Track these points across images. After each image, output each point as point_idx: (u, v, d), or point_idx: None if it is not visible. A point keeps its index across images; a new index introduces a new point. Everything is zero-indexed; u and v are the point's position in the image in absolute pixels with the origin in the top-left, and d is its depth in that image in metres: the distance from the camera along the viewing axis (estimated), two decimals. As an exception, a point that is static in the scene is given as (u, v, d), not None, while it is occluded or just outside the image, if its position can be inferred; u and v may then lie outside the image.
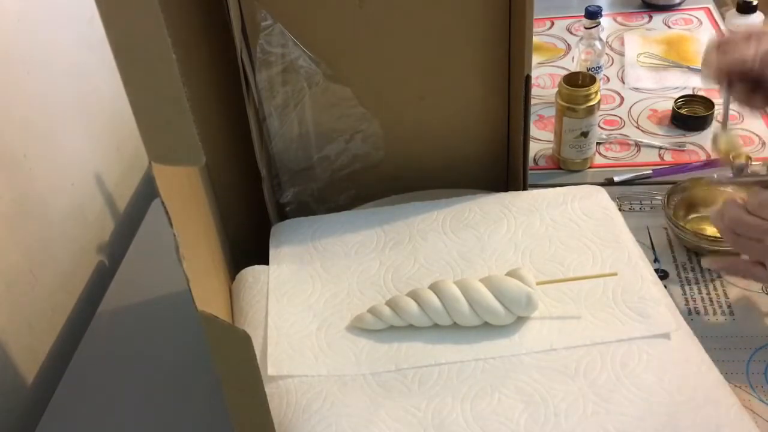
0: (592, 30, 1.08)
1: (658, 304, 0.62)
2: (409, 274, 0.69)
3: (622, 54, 1.24)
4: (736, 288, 0.78)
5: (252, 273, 0.71)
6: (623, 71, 1.19)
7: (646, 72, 1.18)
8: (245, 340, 0.45)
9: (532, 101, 0.89)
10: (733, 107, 1.07)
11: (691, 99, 1.07)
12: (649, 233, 0.86)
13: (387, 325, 0.63)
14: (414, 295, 0.64)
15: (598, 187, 0.77)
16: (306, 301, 0.67)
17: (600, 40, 1.09)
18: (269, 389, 0.59)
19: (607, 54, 1.22)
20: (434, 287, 0.64)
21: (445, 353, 0.61)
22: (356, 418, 0.56)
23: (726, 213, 0.62)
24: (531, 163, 1.01)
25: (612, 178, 0.95)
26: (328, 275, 0.69)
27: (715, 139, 0.83)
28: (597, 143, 1.00)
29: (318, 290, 0.68)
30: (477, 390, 0.57)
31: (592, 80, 0.93)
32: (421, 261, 0.70)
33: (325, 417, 0.56)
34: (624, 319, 0.61)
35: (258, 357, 0.61)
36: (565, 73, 0.98)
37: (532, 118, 1.09)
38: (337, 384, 0.59)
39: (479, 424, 0.54)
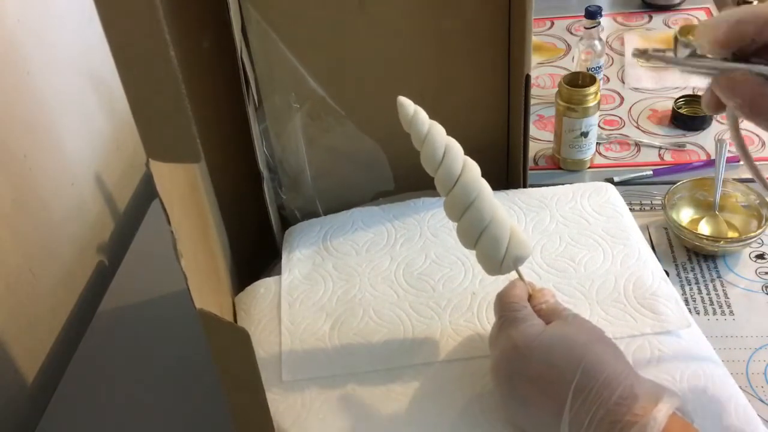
0: (592, 30, 1.08)
1: (670, 300, 0.62)
2: (421, 269, 0.69)
3: (622, 54, 1.24)
4: (737, 288, 0.78)
5: (264, 284, 0.71)
6: (623, 71, 1.19)
7: (646, 72, 1.18)
8: (245, 339, 0.45)
9: (532, 101, 0.89)
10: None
11: (691, 99, 1.07)
12: (649, 233, 0.86)
13: None
14: None
15: (608, 184, 0.77)
16: (318, 302, 0.67)
17: (600, 40, 1.09)
18: (283, 390, 0.60)
19: (607, 54, 1.22)
20: None
21: (459, 349, 0.61)
22: (371, 416, 0.56)
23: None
24: (531, 163, 1.01)
25: (612, 178, 0.95)
26: (340, 274, 0.70)
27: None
28: (597, 143, 1.00)
29: (330, 290, 0.69)
30: (491, 386, 0.57)
31: (592, 80, 0.93)
32: (432, 257, 0.70)
33: (340, 416, 0.57)
34: (636, 315, 0.61)
35: (273, 362, 0.62)
36: (565, 73, 0.98)
37: (532, 118, 1.09)
38: (352, 382, 0.60)
39: (494, 419, 0.55)
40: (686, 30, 1.18)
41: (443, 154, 0.56)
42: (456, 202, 0.56)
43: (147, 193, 1.10)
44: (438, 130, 0.56)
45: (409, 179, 0.84)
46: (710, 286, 0.78)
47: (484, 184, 0.56)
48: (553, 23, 1.36)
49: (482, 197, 0.55)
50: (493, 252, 0.55)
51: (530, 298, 0.56)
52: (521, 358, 0.50)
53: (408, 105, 0.56)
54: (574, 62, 1.14)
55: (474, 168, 0.56)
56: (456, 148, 0.56)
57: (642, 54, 0.50)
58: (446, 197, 0.56)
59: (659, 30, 1.30)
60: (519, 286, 0.56)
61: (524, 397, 0.50)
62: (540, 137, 1.06)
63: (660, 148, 1.01)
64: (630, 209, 0.75)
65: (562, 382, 0.48)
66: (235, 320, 0.68)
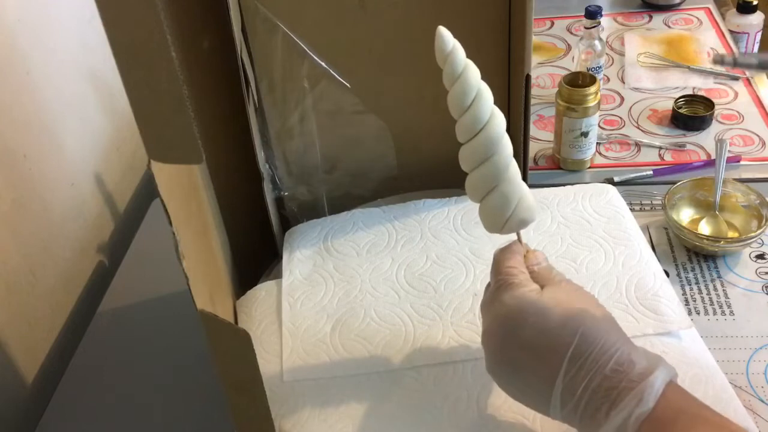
0: (592, 30, 1.08)
1: (671, 301, 0.62)
2: (422, 270, 0.69)
3: (622, 54, 1.24)
4: (736, 288, 0.78)
5: (265, 287, 0.71)
6: (623, 71, 1.19)
7: (646, 72, 1.18)
8: (245, 339, 0.44)
9: (532, 101, 0.89)
10: (732, 107, 1.08)
11: (691, 99, 1.07)
12: (649, 233, 0.86)
13: None
14: None
15: (609, 185, 0.77)
16: (319, 303, 0.67)
17: (600, 40, 1.09)
18: (284, 391, 0.60)
19: (607, 54, 1.22)
20: None
21: (460, 351, 0.61)
22: (372, 417, 0.56)
23: None
24: (531, 163, 1.01)
25: (612, 178, 0.95)
26: (341, 275, 0.70)
27: None
28: (597, 143, 1.00)
29: (331, 291, 0.69)
30: (492, 387, 0.57)
31: (592, 80, 0.93)
32: (434, 258, 0.70)
33: (342, 417, 0.57)
34: (638, 316, 0.61)
35: (274, 363, 0.62)
36: (565, 73, 0.98)
37: (532, 118, 1.09)
38: (353, 383, 0.60)
39: (495, 421, 0.55)
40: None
41: (473, 99, 0.51)
42: (473, 153, 0.52)
43: (147, 193, 1.10)
44: (473, 73, 0.52)
45: (411, 179, 0.84)
46: (710, 286, 0.78)
47: (506, 140, 0.53)
48: (553, 23, 1.36)
49: (501, 154, 0.52)
50: (500, 211, 0.53)
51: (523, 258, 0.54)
52: (515, 323, 0.49)
53: (447, 38, 0.51)
54: (574, 62, 1.14)
55: (501, 121, 0.53)
56: (487, 96, 0.52)
57: (723, 61, 0.45)
58: (464, 145, 0.53)
59: (659, 30, 1.30)
60: (516, 250, 0.54)
61: (516, 363, 0.49)
62: (540, 137, 1.06)
63: (660, 148, 1.01)
64: (630, 209, 0.75)
65: (557, 348, 0.47)
66: (236, 321, 0.68)
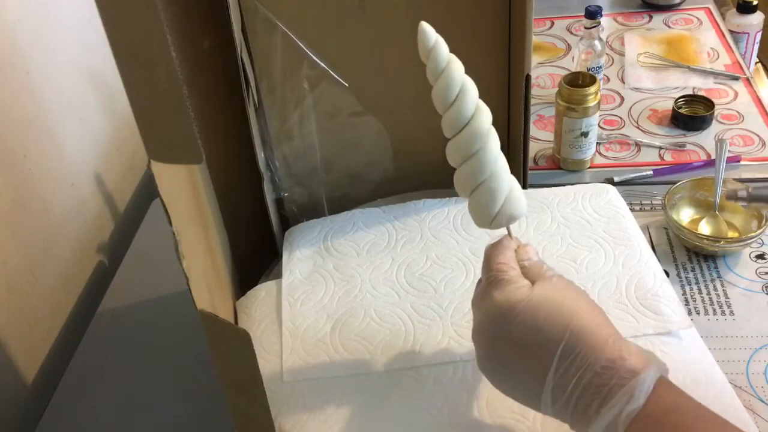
0: (592, 30, 1.08)
1: (671, 301, 0.62)
2: (422, 270, 0.69)
3: (622, 54, 1.24)
4: (736, 288, 0.78)
5: (265, 288, 0.71)
6: (623, 71, 1.19)
7: (646, 72, 1.18)
8: (245, 339, 0.44)
9: (532, 101, 0.89)
10: (732, 107, 1.08)
11: (691, 99, 1.07)
12: (649, 233, 0.86)
13: None
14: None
15: (609, 185, 0.77)
16: (319, 303, 0.67)
17: (600, 40, 1.09)
18: (284, 391, 0.60)
19: (607, 54, 1.22)
20: None
21: (460, 351, 0.61)
22: (372, 417, 0.56)
23: None
24: (531, 163, 1.01)
25: (612, 178, 0.95)
26: (341, 275, 0.70)
27: None
28: (597, 143, 1.00)
29: (331, 290, 0.68)
30: (492, 387, 0.57)
31: (592, 80, 0.93)
32: (434, 258, 0.70)
33: (342, 417, 0.57)
34: (638, 316, 0.61)
35: (274, 363, 0.62)
36: (565, 73, 0.98)
37: (532, 118, 1.09)
38: (353, 384, 0.60)
39: (496, 421, 0.55)
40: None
41: (457, 94, 0.51)
42: (459, 148, 0.52)
43: (147, 193, 1.10)
44: (456, 68, 0.51)
45: (408, 181, 0.84)
46: (710, 286, 0.78)
47: (492, 135, 0.52)
48: (553, 23, 1.36)
49: (487, 149, 0.51)
50: (487, 206, 0.52)
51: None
52: (505, 320, 0.48)
53: (429, 33, 0.50)
54: (574, 62, 1.14)
55: (485, 116, 0.52)
56: (471, 90, 0.52)
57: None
58: (450, 141, 0.52)
59: (659, 30, 1.30)
60: (507, 245, 0.53)
61: (507, 360, 0.48)
62: (540, 137, 1.06)
63: (660, 148, 1.01)
64: (630, 209, 0.75)
65: (548, 344, 0.46)
66: (236, 321, 0.68)
